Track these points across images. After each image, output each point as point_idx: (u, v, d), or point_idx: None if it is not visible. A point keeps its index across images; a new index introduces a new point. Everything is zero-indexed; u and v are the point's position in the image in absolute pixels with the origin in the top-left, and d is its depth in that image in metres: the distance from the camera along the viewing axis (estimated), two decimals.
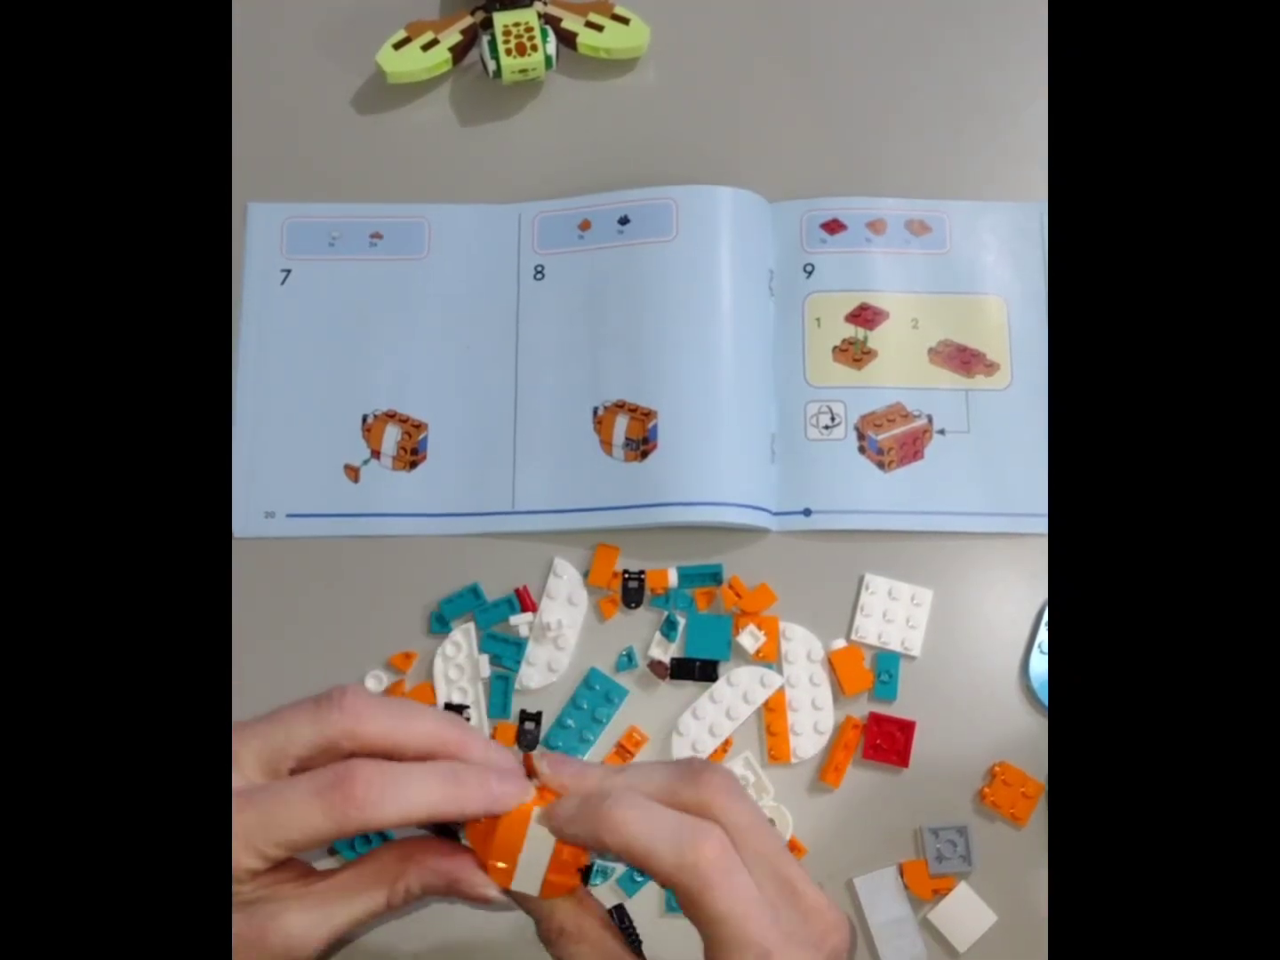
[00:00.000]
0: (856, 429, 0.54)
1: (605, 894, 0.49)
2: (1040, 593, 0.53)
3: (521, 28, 0.58)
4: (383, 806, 0.35)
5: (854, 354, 0.55)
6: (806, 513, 0.53)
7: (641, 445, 0.53)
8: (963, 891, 0.49)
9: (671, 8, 0.61)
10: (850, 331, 0.55)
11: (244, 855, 0.35)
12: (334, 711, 0.37)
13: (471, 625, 0.52)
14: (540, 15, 0.58)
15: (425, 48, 0.58)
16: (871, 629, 0.52)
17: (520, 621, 0.52)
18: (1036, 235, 0.57)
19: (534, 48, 0.57)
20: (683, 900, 0.36)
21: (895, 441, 0.53)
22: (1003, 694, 0.52)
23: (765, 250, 0.56)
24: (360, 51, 0.59)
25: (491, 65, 0.58)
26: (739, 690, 0.51)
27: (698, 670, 0.51)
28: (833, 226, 0.57)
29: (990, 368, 0.55)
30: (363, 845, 0.49)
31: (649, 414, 0.53)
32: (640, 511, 0.52)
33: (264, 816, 0.35)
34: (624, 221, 0.56)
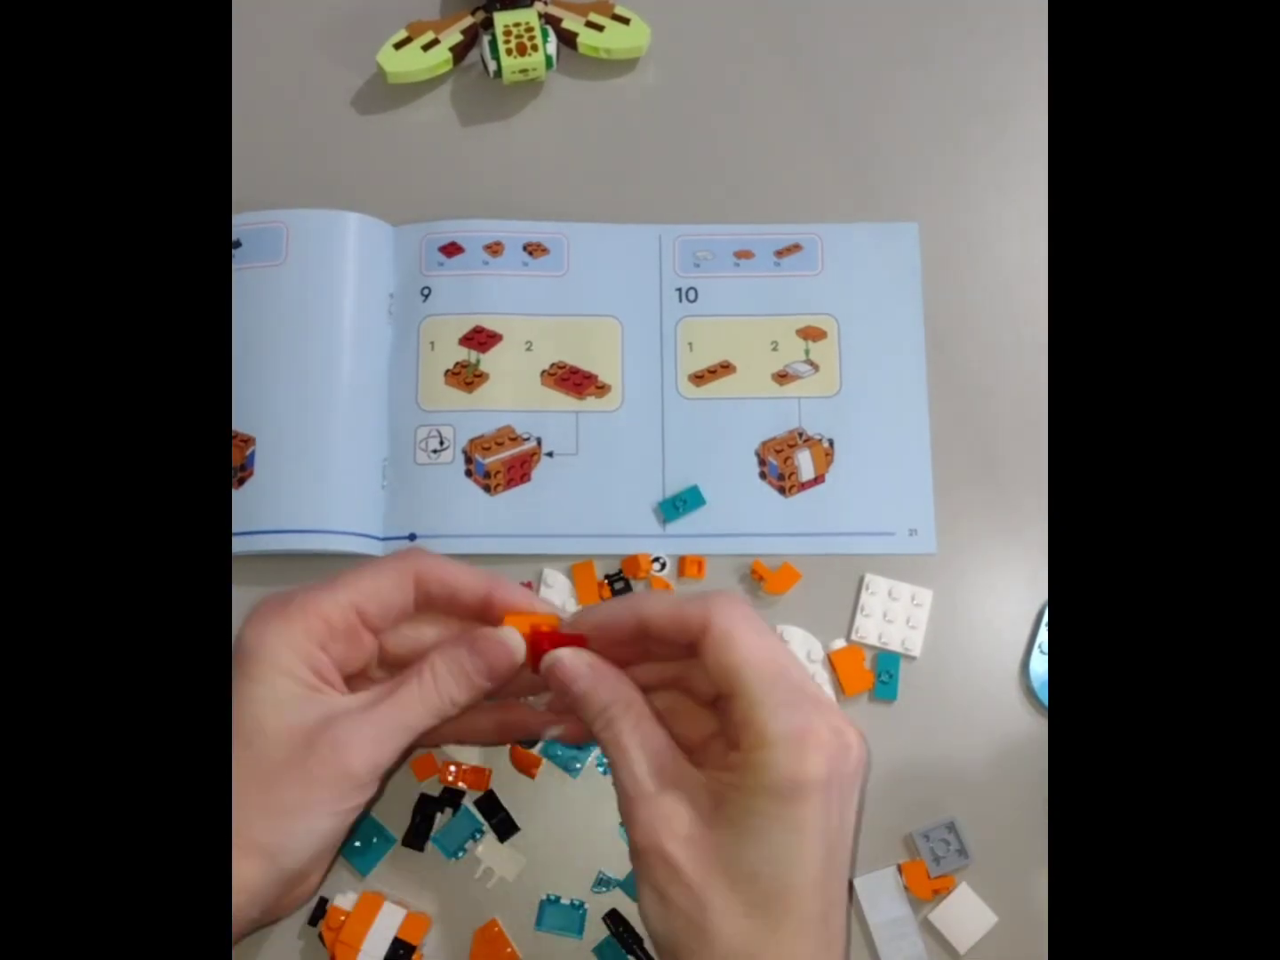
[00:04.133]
0: (465, 452, 0.54)
1: (608, 900, 0.49)
2: (1040, 593, 0.53)
3: (522, 28, 0.58)
4: (447, 564, 0.44)
5: (465, 377, 0.55)
6: (412, 537, 0.53)
7: (239, 473, 0.52)
8: (963, 892, 0.49)
9: (671, 8, 0.61)
10: (464, 354, 0.55)
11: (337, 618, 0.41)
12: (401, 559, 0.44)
13: None
14: (541, 15, 0.58)
15: (426, 48, 0.59)
16: (872, 629, 0.52)
17: None
18: (653, 257, 0.57)
19: (534, 48, 0.57)
20: (706, 662, 0.38)
21: (502, 465, 0.54)
22: (1003, 694, 0.51)
23: (386, 274, 0.56)
24: (360, 51, 0.59)
25: (492, 65, 0.58)
26: None
27: None
28: (451, 250, 0.56)
29: (601, 389, 0.55)
30: (366, 843, 0.49)
31: (247, 440, 0.52)
32: (242, 540, 0.51)
33: (353, 592, 0.42)
34: (237, 245, 0.55)
